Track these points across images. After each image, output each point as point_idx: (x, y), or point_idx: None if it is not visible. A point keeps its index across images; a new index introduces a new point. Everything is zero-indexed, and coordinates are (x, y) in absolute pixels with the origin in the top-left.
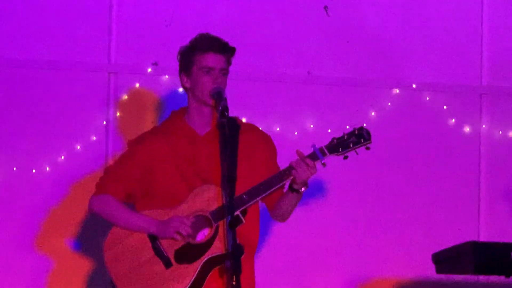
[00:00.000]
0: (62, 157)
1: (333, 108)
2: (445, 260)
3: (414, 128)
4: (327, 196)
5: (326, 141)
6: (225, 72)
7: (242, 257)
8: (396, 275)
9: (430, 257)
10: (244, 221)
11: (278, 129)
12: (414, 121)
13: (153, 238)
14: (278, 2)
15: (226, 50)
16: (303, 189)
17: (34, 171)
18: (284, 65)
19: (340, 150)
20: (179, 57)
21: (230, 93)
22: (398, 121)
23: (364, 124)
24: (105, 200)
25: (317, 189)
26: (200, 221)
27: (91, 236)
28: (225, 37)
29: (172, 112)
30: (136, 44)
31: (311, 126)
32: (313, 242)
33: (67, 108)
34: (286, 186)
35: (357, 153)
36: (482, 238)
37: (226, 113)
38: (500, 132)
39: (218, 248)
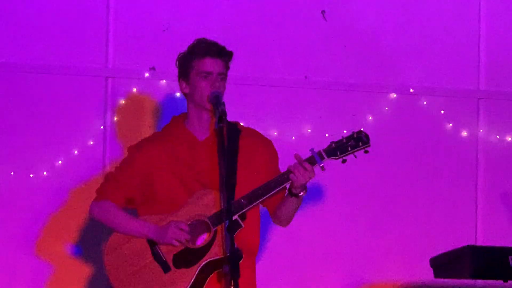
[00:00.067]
0: (60, 162)
1: (331, 113)
2: (443, 264)
3: (412, 133)
4: (326, 200)
5: (323, 146)
6: (223, 76)
7: (242, 261)
8: (394, 279)
9: (428, 261)
10: (243, 225)
11: (275, 133)
12: (411, 125)
13: (152, 243)
14: (275, 6)
15: (223, 54)
16: (302, 193)
17: (31, 175)
18: (282, 69)
19: (339, 153)
20: (177, 63)
21: (227, 98)
22: (396, 125)
23: (362, 128)
24: (105, 206)
25: (316, 193)
26: (199, 225)
27: (91, 241)
28: (223, 42)
29: (172, 117)
30: (133, 48)
31: (309, 130)
32: (311, 246)
33: (64, 112)
34: None
35: (355, 157)
36: (480, 242)
37: (224, 118)
38: (498, 137)
39: (216, 252)
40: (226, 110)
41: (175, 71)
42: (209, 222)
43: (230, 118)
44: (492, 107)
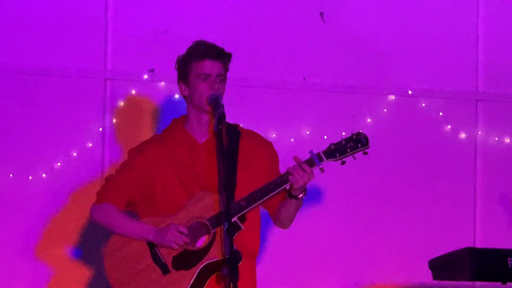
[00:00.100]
0: (59, 164)
1: (329, 115)
2: (442, 266)
3: (410, 135)
4: (325, 202)
5: (322, 147)
6: (222, 78)
7: (242, 263)
8: (393, 281)
9: (427, 263)
10: (242, 227)
11: (274, 135)
12: (410, 127)
13: (152, 245)
14: (274, 8)
15: (222, 56)
16: (301, 195)
17: (30, 177)
18: (280, 71)
19: (338, 155)
20: (176, 65)
21: (226, 100)
22: (394, 127)
23: (361, 130)
24: (105, 209)
25: (315, 195)
26: (198, 227)
27: (91, 244)
28: (222, 44)
29: (173, 119)
30: (132, 50)
31: (307, 132)
32: (310, 247)
33: (63, 114)
34: None
35: (354, 158)
36: (478, 244)
37: (223, 120)
38: (496, 138)
39: (215, 254)
40: (225, 111)
41: (174, 73)
42: (209, 224)
43: (229, 119)
44: (490, 109)
